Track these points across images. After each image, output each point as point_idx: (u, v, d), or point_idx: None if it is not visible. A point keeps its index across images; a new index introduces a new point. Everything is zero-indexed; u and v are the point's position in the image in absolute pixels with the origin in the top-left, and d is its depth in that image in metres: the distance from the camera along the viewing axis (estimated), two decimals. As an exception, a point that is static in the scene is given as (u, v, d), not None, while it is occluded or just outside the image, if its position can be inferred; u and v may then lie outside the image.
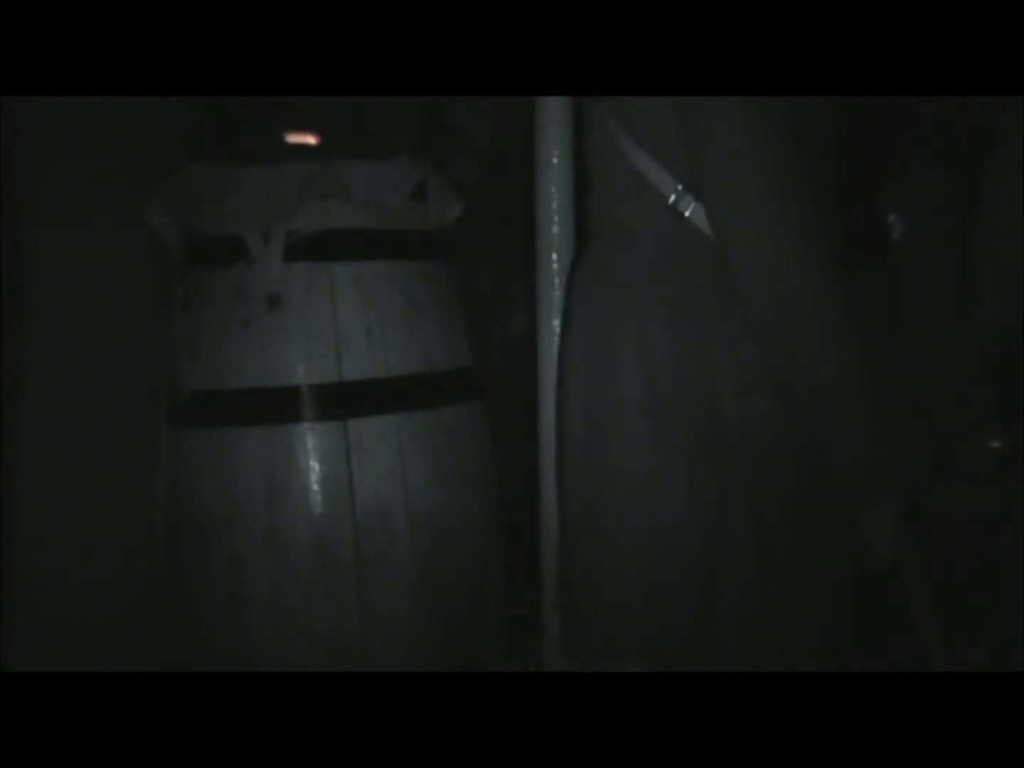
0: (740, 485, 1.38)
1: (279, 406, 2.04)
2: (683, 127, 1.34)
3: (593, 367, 1.47)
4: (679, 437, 1.39)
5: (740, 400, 1.38)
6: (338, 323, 2.06)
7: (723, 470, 1.38)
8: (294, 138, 2.57)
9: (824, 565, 1.42)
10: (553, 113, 1.88)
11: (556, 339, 1.90)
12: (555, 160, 1.88)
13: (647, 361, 1.40)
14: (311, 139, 2.59)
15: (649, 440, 1.40)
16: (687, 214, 1.39)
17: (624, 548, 1.42)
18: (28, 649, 1.98)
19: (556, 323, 1.92)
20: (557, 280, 1.92)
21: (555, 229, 1.90)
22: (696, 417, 1.39)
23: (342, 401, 2.05)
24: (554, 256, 1.91)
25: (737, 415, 1.38)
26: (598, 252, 1.53)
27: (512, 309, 2.98)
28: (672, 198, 1.39)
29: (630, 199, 1.45)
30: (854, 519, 1.41)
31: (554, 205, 1.90)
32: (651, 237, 1.43)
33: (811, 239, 1.32)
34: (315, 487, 2.01)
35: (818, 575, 1.42)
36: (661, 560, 1.40)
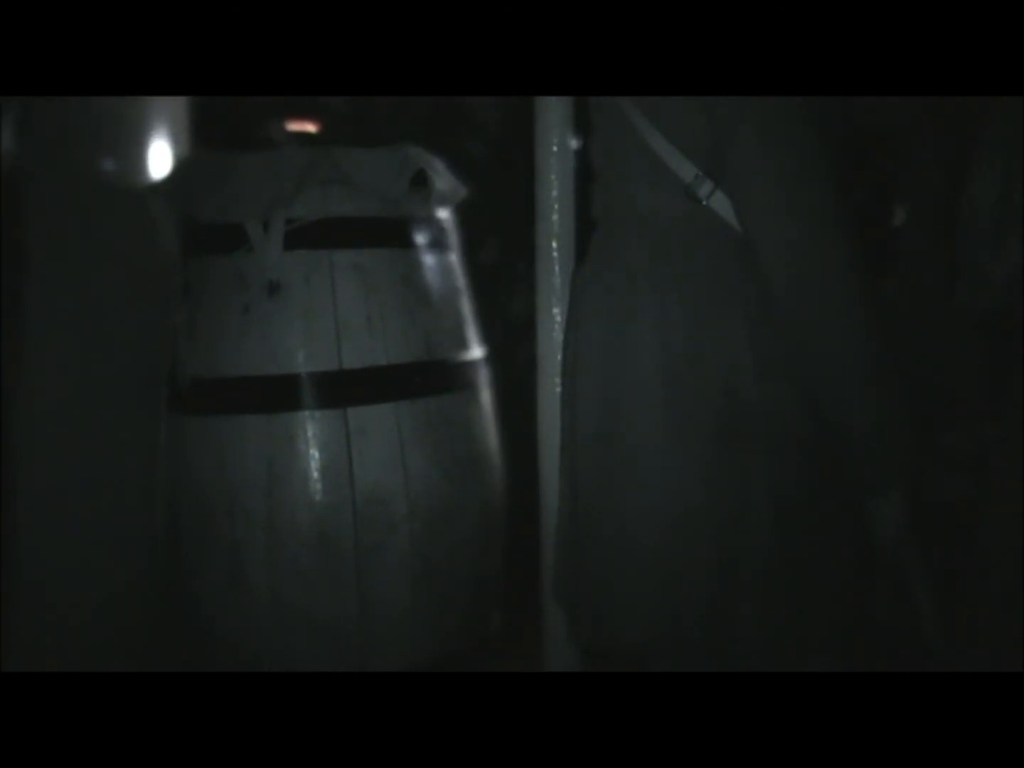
0: (758, 469, 1.38)
1: (279, 394, 2.04)
2: (707, 113, 1.33)
3: (608, 351, 1.46)
4: (697, 420, 1.38)
5: (758, 383, 1.37)
6: (338, 310, 2.06)
7: (741, 453, 1.38)
8: (294, 125, 2.56)
9: (840, 551, 1.42)
10: (554, 101, 1.87)
11: (556, 326, 1.90)
12: (555, 148, 1.88)
13: (664, 344, 1.40)
14: (311, 126, 2.58)
15: (666, 423, 1.40)
16: (705, 199, 1.38)
17: (640, 533, 1.41)
18: (28, 638, 1.98)
19: (556, 310, 1.91)
20: (557, 268, 1.91)
21: (555, 217, 1.90)
22: (714, 400, 1.38)
23: (342, 389, 2.05)
24: (554, 244, 1.91)
25: (755, 398, 1.37)
26: (610, 237, 1.52)
27: (512, 296, 2.98)
28: (689, 182, 1.39)
29: (646, 183, 1.43)
30: (863, 505, 1.41)
31: (554, 193, 1.89)
32: (667, 221, 1.42)
33: (834, 227, 1.32)
34: (315, 475, 2.01)
35: (835, 561, 1.42)
36: (677, 545, 1.39)
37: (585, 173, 1.64)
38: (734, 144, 1.33)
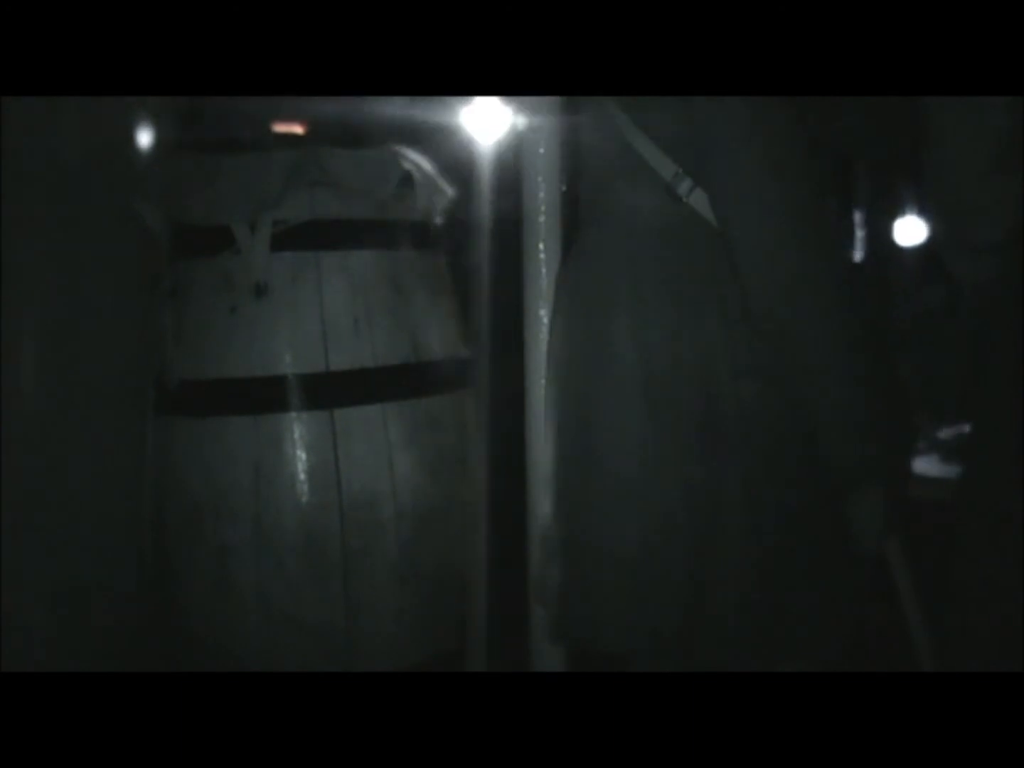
0: (734, 469, 1.38)
1: (266, 395, 2.04)
2: (686, 112, 1.34)
3: (587, 350, 1.47)
4: (674, 419, 1.39)
5: (735, 383, 1.38)
6: (325, 312, 2.06)
7: (718, 453, 1.38)
8: (281, 127, 2.56)
9: (816, 551, 1.42)
10: (540, 103, 1.87)
11: (543, 328, 1.90)
12: (542, 150, 1.88)
13: (642, 343, 1.40)
14: (298, 128, 2.58)
15: (643, 422, 1.40)
16: (685, 198, 1.39)
17: (617, 536, 1.42)
18: (15, 640, 1.97)
19: (543, 312, 1.91)
20: (544, 269, 1.91)
21: (542, 219, 1.90)
22: (691, 399, 1.38)
23: (329, 390, 2.05)
24: (541, 246, 1.90)
25: (732, 397, 1.38)
26: (593, 235, 1.52)
27: (499, 298, 2.98)
28: (669, 180, 1.39)
29: (627, 181, 1.44)
30: (842, 505, 1.42)
31: (541, 195, 1.89)
32: (647, 219, 1.43)
33: (812, 227, 1.33)
34: (302, 477, 2.01)
35: (811, 560, 1.42)
36: (655, 547, 1.39)
37: (573, 174, 1.64)
38: (713, 141, 1.33)
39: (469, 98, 2.89)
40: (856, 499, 1.42)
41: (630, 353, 1.41)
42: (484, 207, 2.85)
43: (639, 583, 1.41)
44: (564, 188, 1.57)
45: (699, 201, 1.39)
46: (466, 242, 2.81)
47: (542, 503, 1.89)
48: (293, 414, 2.03)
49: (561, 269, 1.65)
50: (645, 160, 1.41)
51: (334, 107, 2.65)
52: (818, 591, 1.43)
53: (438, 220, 2.33)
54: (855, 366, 1.36)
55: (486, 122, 2.92)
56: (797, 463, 1.40)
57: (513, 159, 1.95)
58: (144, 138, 2.27)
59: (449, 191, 2.31)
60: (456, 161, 2.69)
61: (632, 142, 1.41)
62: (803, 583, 1.42)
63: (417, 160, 2.25)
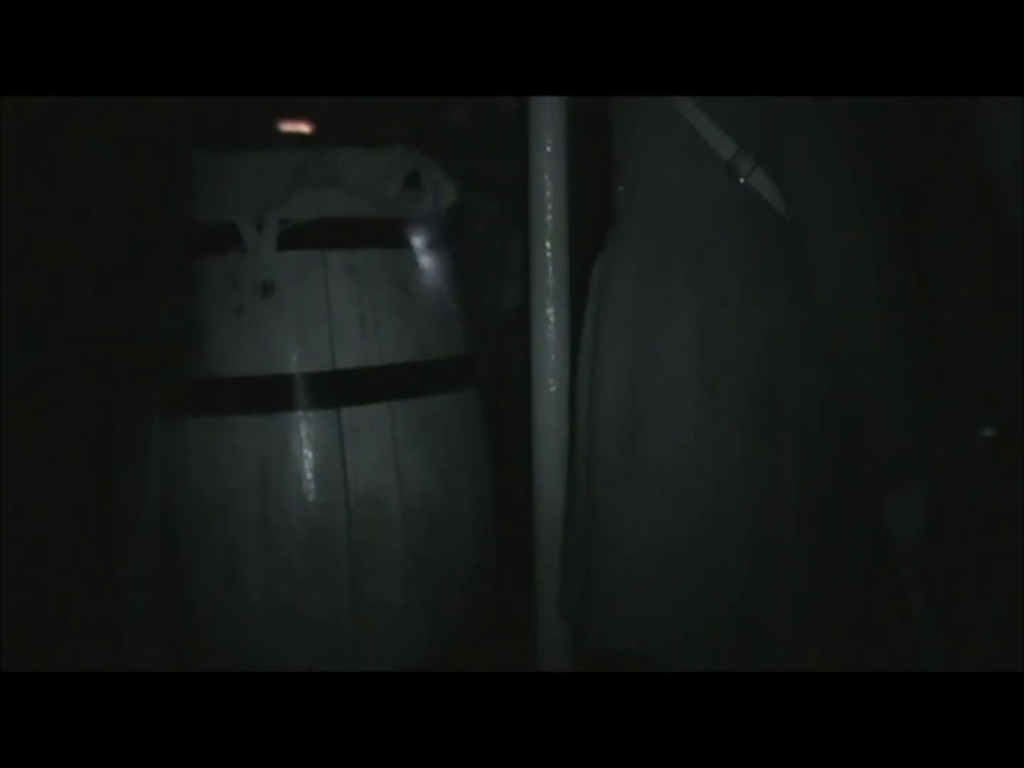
0: (790, 456, 1.35)
1: (273, 394, 2.04)
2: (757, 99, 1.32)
3: (637, 339, 1.43)
4: (733, 403, 1.36)
5: (801, 366, 1.36)
6: (331, 311, 2.06)
7: (775, 438, 1.35)
8: (287, 126, 2.56)
9: (858, 546, 1.40)
10: (547, 102, 1.87)
11: (550, 326, 1.90)
12: (549, 148, 1.88)
13: (702, 324, 1.37)
14: (304, 127, 2.58)
15: (701, 407, 1.36)
16: (745, 177, 1.37)
17: (672, 525, 1.38)
18: (22, 639, 1.97)
19: (550, 311, 1.91)
20: (551, 268, 1.91)
21: (549, 217, 1.90)
22: (751, 382, 1.35)
23: (336, 389, 2.05)
24: (548, 244, 1.90)
25: (793, 381, 1.36)
26: (637, 225, 1.48)
27: (506, 297, 2.98)
28: (729, 159, 1.37)
29: (681, 161, 1.42)
30: (883, 503, 1.40)
31: (548, 193, 1.89)
32: (706, 198, 1.40)
33: (884, 214, 1.33)
34: (309, 475, 2.01)
35: (852, 556, 1.40)
36: (712, 535, 1.36)
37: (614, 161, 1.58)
38: (783, 117, 1.31)
39: (476, 97, 2.90)
40: (897, 497, 1.40)
41: (687, 335, 1.38)
42: (491, 206, 2.86)
43: (693, 578, 1.37)
44: (621, 188, 1.53)
45: (760, 180, 1.37)
46: (473, 240, 2.82)
47: (549, 501, 1.89)
48: (300, 413, 2.03)
49: (597, 263, 1.60)
50: (702, 138, 1.38)
51: (341, 105, 2.66)
52: (852, 586, 1.41)
53: (445, 218, 2.32)
54: (913, 361, 1.34)
55: (492, 121, 2.91)
56: (849, 453, 1.38)
57: (520, 158, 1.95)
58: (151, 137, 2.26)
59: (455, 189, 2.31)
60: (463, 159, 2.69)
61: (689, 119, 1.38)
62: (841, 577, 1.39)
63: (423, 158, 2.25)
